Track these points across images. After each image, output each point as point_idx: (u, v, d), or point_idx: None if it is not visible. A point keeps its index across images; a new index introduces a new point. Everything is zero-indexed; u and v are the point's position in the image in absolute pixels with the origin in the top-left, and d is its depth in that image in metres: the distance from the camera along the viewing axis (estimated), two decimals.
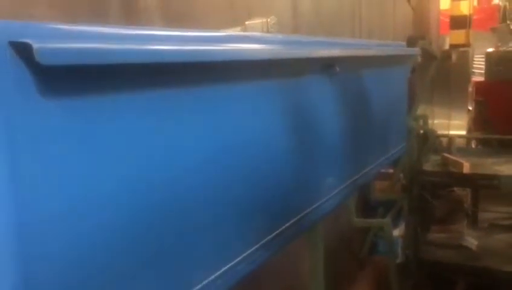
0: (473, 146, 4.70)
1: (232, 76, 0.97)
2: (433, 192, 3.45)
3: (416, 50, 2.44)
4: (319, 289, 1.66)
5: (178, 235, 0.84)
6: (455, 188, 3.83)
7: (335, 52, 1.37)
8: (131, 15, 1.41)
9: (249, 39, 1.08)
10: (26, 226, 0.61)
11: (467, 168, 3.09)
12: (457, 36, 7.27)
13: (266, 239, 1.09)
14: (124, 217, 0.74)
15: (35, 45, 0.56)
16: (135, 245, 0.76)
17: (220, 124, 0.94)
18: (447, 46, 7.14)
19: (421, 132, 3.32)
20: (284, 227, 1.15)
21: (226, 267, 0.95)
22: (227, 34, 1.10)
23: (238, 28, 1.22)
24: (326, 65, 1.34)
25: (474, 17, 7.67)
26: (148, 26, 1.47)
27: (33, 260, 0.62)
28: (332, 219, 2.94)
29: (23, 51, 0.58)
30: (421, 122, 3.35)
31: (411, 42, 2.77)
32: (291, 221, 1.18)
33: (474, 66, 6.08)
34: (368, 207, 3.61)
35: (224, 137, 0.95)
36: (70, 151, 0.66)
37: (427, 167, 3.27)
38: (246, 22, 1.22)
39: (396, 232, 3.54)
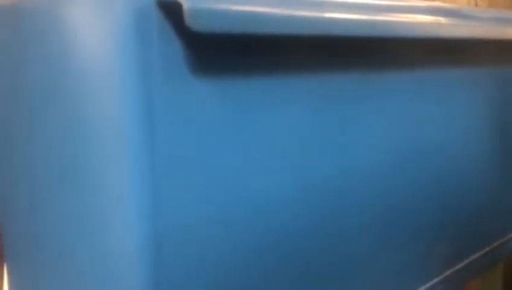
0: None
1: (422, 57, 0.74)
2: None
3: None
4: None
5: (331, 262, 0.65)
6: None
7: None
8: None
9: (450, 13, 0.83)
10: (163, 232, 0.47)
11: None
12: None
13: (450, 271, 0.85)
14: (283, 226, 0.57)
15: (186, 4, 0.39)
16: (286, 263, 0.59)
17: (408, 119, 0.72)
18: None
19: None
20: (474, 256, 0.89)
21: None
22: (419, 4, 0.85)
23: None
24: None
25: None
26: None
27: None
28: None
29: (173, 13, 0.42)
30: None
31: None
32: (485, 250, 0.92)
33: None
34: None
35: (413, 136, 0.73)
36: (226, 145, 0.50)
37: None
38: None
39: None
